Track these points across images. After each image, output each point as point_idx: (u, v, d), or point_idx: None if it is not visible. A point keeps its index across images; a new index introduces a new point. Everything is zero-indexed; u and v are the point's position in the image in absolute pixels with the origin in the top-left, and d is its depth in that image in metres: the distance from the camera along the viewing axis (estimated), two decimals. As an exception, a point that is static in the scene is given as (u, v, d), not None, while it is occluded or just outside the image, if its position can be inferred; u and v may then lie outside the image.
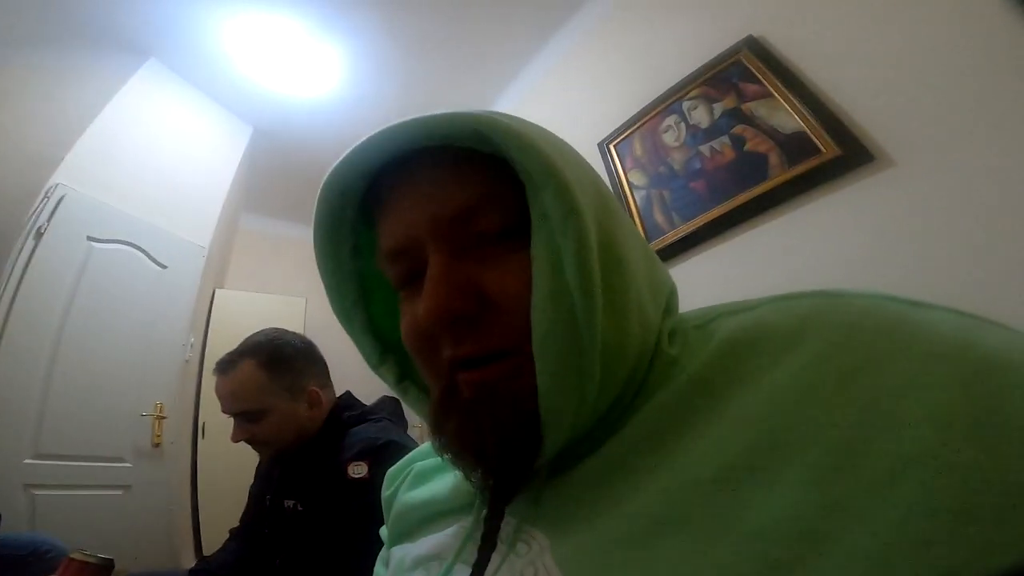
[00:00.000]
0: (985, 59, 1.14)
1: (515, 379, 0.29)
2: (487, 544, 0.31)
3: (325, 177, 0.34)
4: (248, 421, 1.05)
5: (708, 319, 0.33)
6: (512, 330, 0.29)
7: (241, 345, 1.11)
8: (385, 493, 0.51)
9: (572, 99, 2.34)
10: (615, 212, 0.33)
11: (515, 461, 0.31)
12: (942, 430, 0.19)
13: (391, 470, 0.53)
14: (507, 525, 0.31)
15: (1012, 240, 1.03)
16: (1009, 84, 1.10)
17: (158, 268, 2.15)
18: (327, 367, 1.21)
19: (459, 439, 0.32)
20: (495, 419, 0.30)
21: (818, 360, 0.24)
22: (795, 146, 1.44)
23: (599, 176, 0.36)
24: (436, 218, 0.31)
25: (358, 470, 0.95)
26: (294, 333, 1.20)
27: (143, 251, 2.11)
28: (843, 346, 0.24)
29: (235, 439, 1.06)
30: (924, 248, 1.15)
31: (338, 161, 0.33)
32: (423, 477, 0.46)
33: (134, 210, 2.12)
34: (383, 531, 0.49)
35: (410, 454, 0.52)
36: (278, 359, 1.10)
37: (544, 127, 0.34)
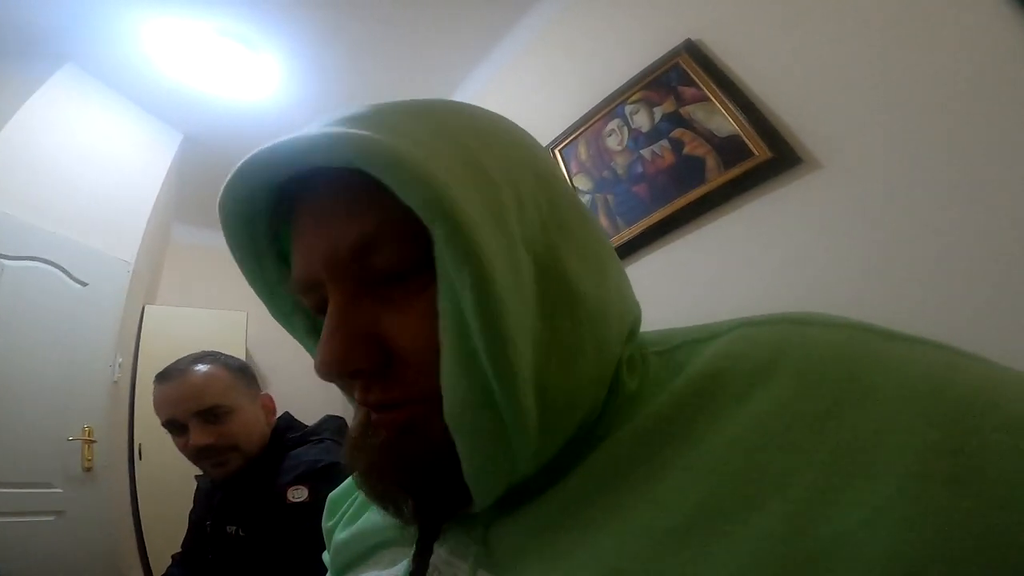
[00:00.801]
0: (906, 68, 1.21)
1: (431, 423, 0.27)
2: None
3: (223, 186, 0.30)
4: (213, 420, 1.01)
5: (671, 346, 0.32)
6: (420, 382, 0.27)
7: (185, 358, 1.08)
8: (327, 524, 0.49)
9: (519, 104, 2.36)
10: (570, 227, 0.30)
11: (432, 508, 0.30)
12: (917, 479, 0.18)
13: (332, 497, 0.51)
14: (458, 571, 0.29)
15: (929, 238, 1.10)
16: (928, 90, 1.17)
17: (78, 286, 2.04)
18: None
19: (367, 481, 0.31)
20: (408, 465, 0.29)
21: (787, 402, 0.23)
22: (730, 149, 1.49)
23: (556, 181, 0.32)
24: (332, 254, 0.28)
25: (298, 494, 0.94)
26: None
27: (60, 268, 1.99)
28: (813, 387, 0.23)
29: (198, 442, 0.99)
30: (848, 246, 1.22)
31: (232, 173, 0.30)
32: (365, 505, 0.43)
33: (49, 224, 2.00)
34: (326, 557, 0.47)
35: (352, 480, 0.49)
36: (234, 363, 1.12)
37: (478, 118, 0.31)
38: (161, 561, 2.09)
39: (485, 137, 0.29)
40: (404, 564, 0.33)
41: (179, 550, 1.23)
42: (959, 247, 1.06)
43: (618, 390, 0.30)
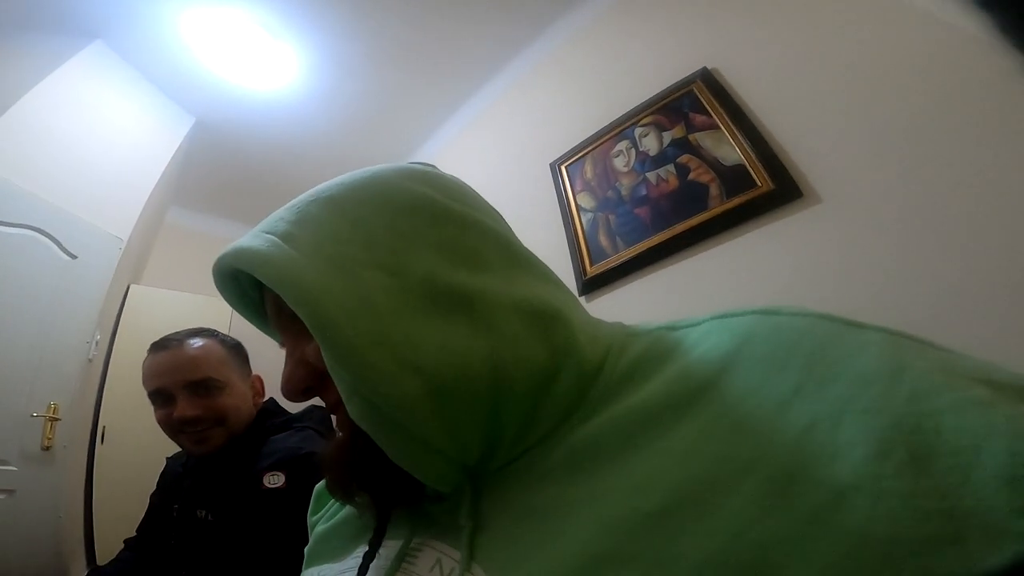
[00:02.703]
0: (907, 111, 1.27)
1: None
2: (366, 560, 0.36)
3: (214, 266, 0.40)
4: (204, 393, 1.03)
5: (644, 331, 0.36)
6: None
7: (182, 331, 1.11)
8: (311, 517, 0.53)
9: (529, 117, 2.43)
10: (425, 241, 0.35)
11: (384, 496, 0.37)
12: (879, 458, 0.19)
13: (318, 488, 0.55)
14: (440, 553, 0.33)
15: (916, 274, 1.15)
16: (927, 133, 1.22)
17: (67, 258, 2.07)
18: None
19: (328, 477, 0.41)
20: (359, 459, 0.36)
21: (753, 388, 0.25)
22: (734, 178, 1.53)
23: (409, 204, 0.37)
24: (271, 317, 0.41)
25: (274, 480, 0.94)
26: None
27: (51, 238, 2.03)
28: (777, 372, 0.25)
29: (183, 414, 1.01)
30: (842, 280, 1.26)
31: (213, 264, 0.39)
32: None
33: (48, 194, 2.05)
34: (306, 550, 0.50)
35: None
36: (232, 343, 1.15)
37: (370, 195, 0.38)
38: (107, 547, 2.07)
39: (339, 201, 0.37)
40: (362, 552, 0.38)
41: (132, 535, 1.22)
42: (953, 283, 1.10)
43: (571, 365, 0.33)
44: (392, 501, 0.37)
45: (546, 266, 0.40)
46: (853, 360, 0.24)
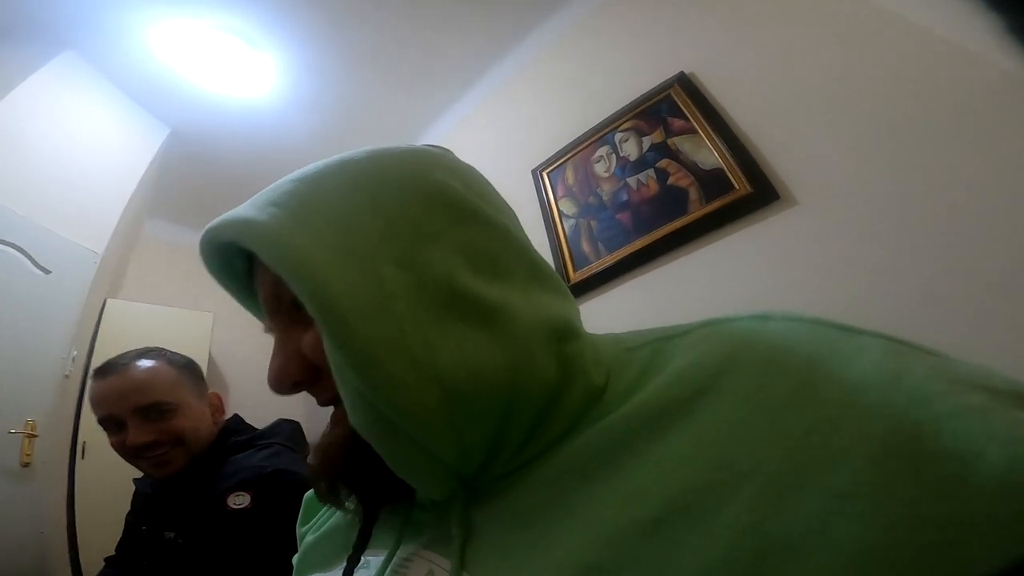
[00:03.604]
0: (882, 113, 1.31)
1: None
2: (350, 564, 0.36)
3: (199, 243, 0.38)
4: (156, 418, 0.99)
5: (640, 343, 0.35)
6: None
7: (127, 353, 1.07)
8: (300, 528, 0.52)
9: (509, 124, 2.46)
10: (445, 240, 0.33)
11: (372, 498, 0.36)
12: (876, 464, 0.19)
13: (308, 496, 0.54)
14: (431, 563, 0.32)
15: (892, 275, 1.19)
16: (901, 135, 1.27)
17: (40, 272, 2.05)
18: None
19: (316, 479, 0.39)
20: (349, 459, 0.35)
21: (749, 394, 0.25)
22: (713, 182, 1.57)
23: (430, 196, 0.35)
24: (264, 304, 0.38)
25: (239, 500, 0.92)
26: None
27: (24, 253, 2.00)
28: (773, 378, 0.25)
29: (136, 441, 0.97)
30: (820, 280, 1.30)
31: (200, 238, 0.37)
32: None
33: (19, 207, 2.02)
34: (296, 558, 0.50)
35: None
36: (179, 360, 1.10)
37: (343, 176, 0.36)
38: (92, 562, 2.04)
39: (360, 186, 0.35)
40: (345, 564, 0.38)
41: (113, 553, 1.19)
42: (930, 284, 1.14)
43: (578, 381, 0.33)
44: (381, 503, 0.37)
45: (556, 274, 0.40)
46: (850, 365, 0.24)
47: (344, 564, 0.38)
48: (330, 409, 0.38)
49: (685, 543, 0.22)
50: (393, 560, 0.35)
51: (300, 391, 0.37)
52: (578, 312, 0.40)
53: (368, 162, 0.36)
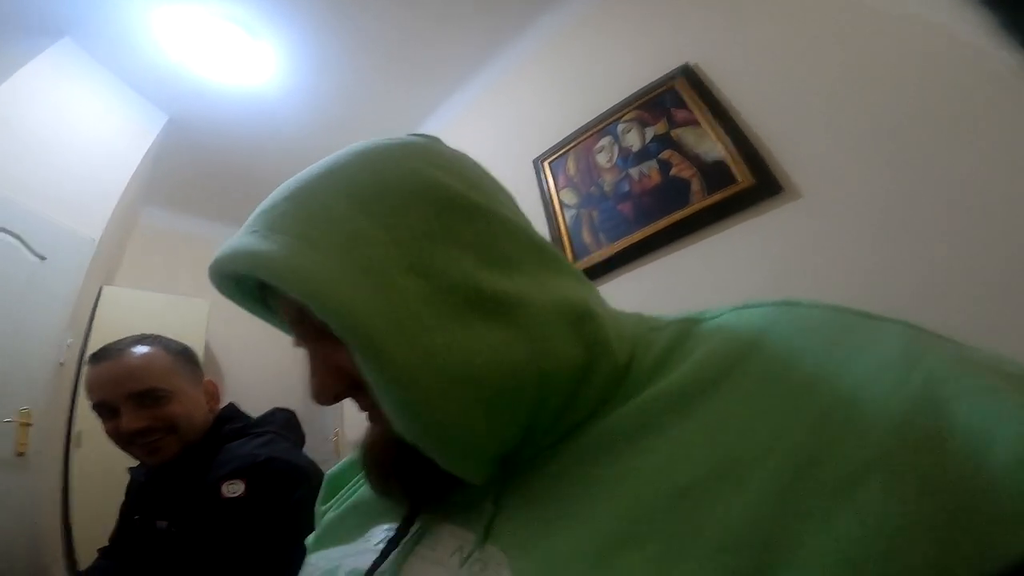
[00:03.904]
0: (886, 107, 1.30)
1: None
2: (391, 545, 0.35)
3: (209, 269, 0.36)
4: (150, 404, 0.98)
5: (664, 323, 0.37)
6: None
7: (123, 339, 1.06)
8: (320, 507, 0.53)
9: (511, 114, 2.44)
10: (465, 237, 0.34)
11: (421, 491, 0.36)
12: (896, 435, 0.20)
13: (331, 474, 0.55)
14: (460, 539, 0.33)
15: (895, 268, 1.19)
16: (905, 129, 1.26)
17: (35, 259, 2.03)
18: None
19: (368, 473, 0.40)
20: (396, 458, 0.36)
21: (775, 372, 0.26)
22: (715, 174, 1.56)
23: (455, 199, 0.35)
24: (291, 320, 0.37)
25: (233, 488, 0.92)
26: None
27: (18, 238, 1.99)
28: (798, 357, 0.26)
29: (129, 427, 0.96)
30: (822, 273, 1.29)
31: (209, 266, 0.35)
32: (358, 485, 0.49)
33: (14, 193, 2.00)
34: (309, 539, 0.50)
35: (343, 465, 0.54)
36: (175, 347, 1.10)
37: (368, 177, 0.35)
38: (88, 553, 2.05)
39: (357, 195, 0.34)
40: (378, 536, 0.39)
41: (107, 544, 1.18)
42: (932, 277, 1.14)
43: (603, 361, 0.33)
44: (429, 493, 0.37)
45: (563, 256, 0.40)
46: (871, 347, 0.25)
47: (365, 536, 0.40)
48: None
49: (710, 510, 0.23)
50: (424, 537, 0.36)
51: (345, 397, 0.37)
52: (593, 289, 0.40)
53: (357, 167, 0.36)
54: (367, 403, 0.36)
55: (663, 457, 0.26)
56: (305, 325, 0.36)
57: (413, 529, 0.36)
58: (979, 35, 1.10)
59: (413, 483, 0.37)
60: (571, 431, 0.33)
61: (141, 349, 1.03)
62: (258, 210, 0.36)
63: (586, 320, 0.34)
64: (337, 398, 0.36)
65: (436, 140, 0.42)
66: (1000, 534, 0.17)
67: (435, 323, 0.30)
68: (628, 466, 0.28)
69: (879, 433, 0.21)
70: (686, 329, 0.34)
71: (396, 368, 0.28)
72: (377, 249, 0.31)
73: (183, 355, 1.10)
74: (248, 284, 0.40)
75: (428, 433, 0.30)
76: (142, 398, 0.98)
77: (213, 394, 1.14)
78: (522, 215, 0.41)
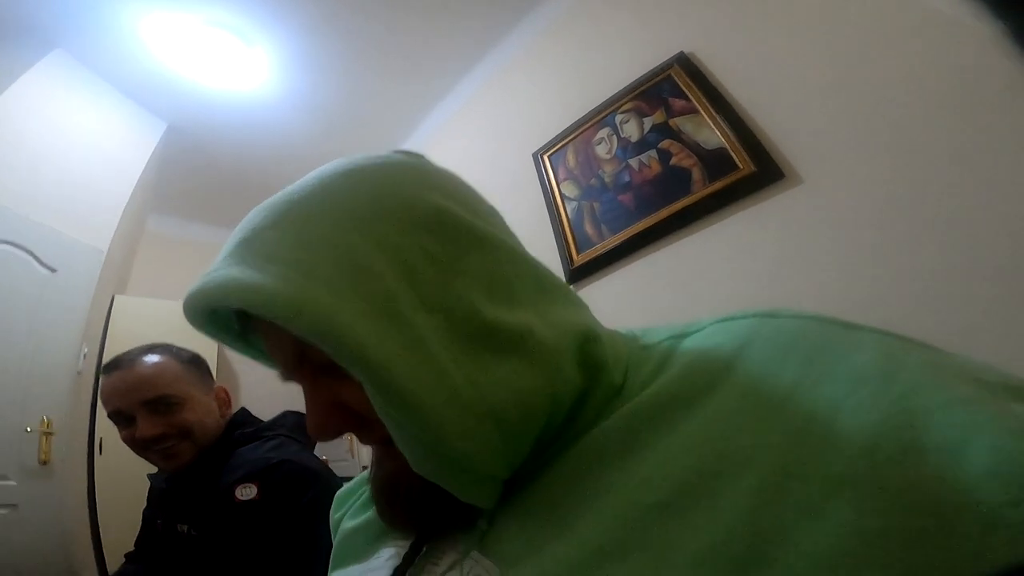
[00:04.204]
0: (886, 90, 1.30)
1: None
2: (399, 570, 0.36)
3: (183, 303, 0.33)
4: (164, 411, 1.02)
5: (656, 340, 0.37)
6: (386, 432, 0.32)
7: (134, 349, 1.09)
8: (334, 515, 0.53)
9: (509, 109, 2.45)
10: (471, 267, 0.33)
11: (429, 522, 0.37)
12: (869, 452, 0.20)
13: (340, 492, 0.55)
14: (456, 552, 0.34)
15: (902, 252, 1.19)
16: (905, 112, 1.26)
17: (46, 272, 2.06)
18: None
19: (377, 504, 0.40)
20: (406, 492, 0.37)
21: (753, 386, 0.26)
22: (716, 162, 1.56)
23: (451, 221, 0.34)
24: (283, 359, 0.35)
25: (247, 492, 0.95)
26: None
27: (29, 252, 2.02)
28: (776, 372, 0.27)
29: (144, 434, 0.99)
30: (826, 259, 1.30)
31: (183, 302, 0.33)
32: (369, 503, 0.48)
33: (22, 208, 2.03)
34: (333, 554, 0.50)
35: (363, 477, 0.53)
36: (186, 354, 1.12)
37: (359, 200, 0.33)
38: (117, 558, 2.09)
39: (357, 223, 0.31)
40: (387, 554, 0.39)
41: (133, 548, 1.22)
42: (933, 263, 1.14)
43: (601, 382, 0.34)
44: (442, 523, 0.37)
45: (561, 282, 0.40)
46: (849, 359, 0.25)
47: (377, 555, 0.41)
48: None
49: (689, 525, 0.23)
50: (427, 551, 0.36)
51: (346, 432, 0.36)
52: (588, 309, 0.41)
53: (351, 191, 0.33)
54: (374, 438, 0.35)
55: (646, 469, 0.27)
56: (303, 361, 0.34)
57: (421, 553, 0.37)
58: (979, 20, 1.10)
59: (423, 513, 0.37)
60: (565, 447, 0.33)
61: (152, 358, 1.06)
62: (239, 237, 0.33)
63: (590, 343, 0.34)
64: (339, 434, 0.35)
65: (423, 158, 0.40)
66: (971, 548, 0.17)
67: (452, 360, 0.29)
68: (613, 479, 0.28)
69: (853, 449, 0.21)
70: (673, 346, 0.35)
71: (422, 411, 0.28)
72: (385, 283, 0.30)
73: (193, 363, 1.13)
74: (223, 316, 0.37)
75: (448, 469, 0.30)
76: (155, 405, 1.01)
77: (224, 400, 1.17)
78: (516, 239, 0.40)
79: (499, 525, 0.33)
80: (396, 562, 0.37)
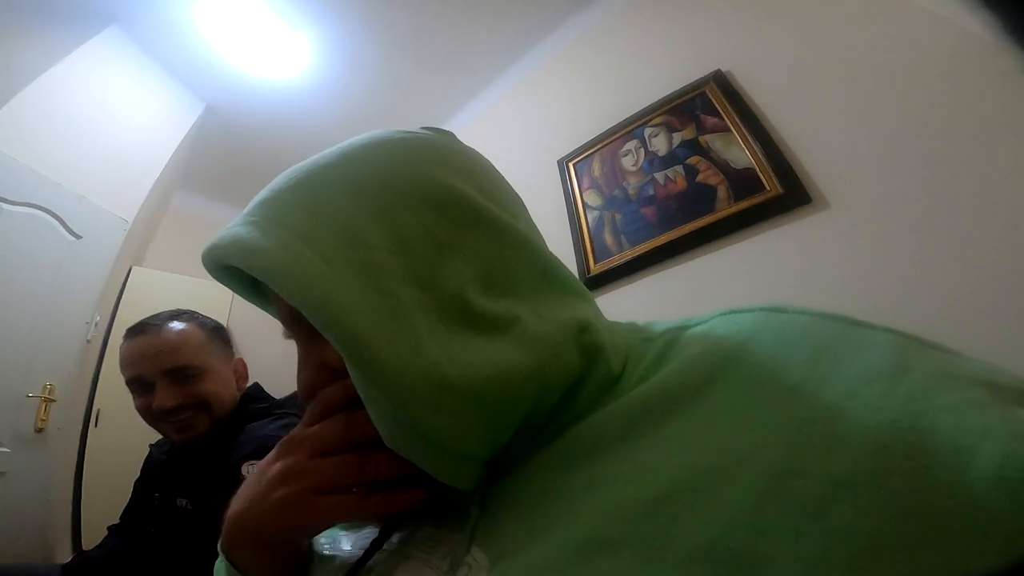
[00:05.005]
0: (920, 122, 1.28)
1: None
2: (367, 555, 0.35)
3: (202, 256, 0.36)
4: (184, 381, 1.01)
5: (656, 333, 0.36)
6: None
7: (160, 314, 1.09)
8: None
9: (538, 114, 2.45)
10: (468, 246, 0.33)
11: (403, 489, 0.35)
12: (874, 454, 0.20)
13: None
14: (452, 543, 0.33)
15: (919, 283, 1.17)
16: (942, 144, 1.23)
17: (72, 238, 2.10)
18: None
19: None
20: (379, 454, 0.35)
21: (757, 381, 0.26)
22: (743, 181, 1.54)
23: (456, 200, 0.34)
24: (282, 314, 0.37)
25: (252, 469, 0.91)
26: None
27: (58, 218, 2.06)
28: (781, 367, 0.26)
29: (163, 404, 0.98)
30: (848, 286, 1.27)
31: (201, 255, 0.35)
32: None
33: (56, 174, 2.08)
34: None
35: None
36: (209, 324, 1.12)
37: (367, 171, 0.34)
38: (93, 532, 2.06)
39: (364, 196, 0.33)
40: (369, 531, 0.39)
41: (117, 522, 1.21)
42: (961, 291, 1.11)
43: (597, 372, 0.33)
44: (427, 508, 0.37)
45: (568, 273, 0.39)
46: (856, 358, 0.24)
47: (370, 528, 0.40)
48: None
49: (684, 522, 0.22)
50: (420, 539, 0.35)
51: None
52: (594, 306, 0.40)
53: (367, 164, 0.35)
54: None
55: (642, 462, 0.26)
56: (298, 322, 0.35)
57: (404, 532, 0.36)
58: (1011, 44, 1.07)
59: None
60: (556, 434, 0.32)
61: (177, 325, 1.05)
62: (260, 197, 0.35)
63: (585, 331, 0.34)
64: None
65: (451, 136, 0.41)
66: (973, 553, 0.17)
67: (430, 334, 0.30)
68: (606, 470, 0.27)
69: (857, 450, 0.20)
70: (675, 337, 0.34)
71: (391, 383, 0.28)
72: (379, 255, 0.31)
73: (216, 332, 1.13)
74: (236, 269, 0.39)
75: (419, 444, 0.29)
76: (176, 375, 1.00)
77: (242, 373, 1.16)
78: (532, 225, 0.40)
79: (493, 515, 0.32)
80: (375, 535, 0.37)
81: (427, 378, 0.28)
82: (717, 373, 0.27)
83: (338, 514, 0.34)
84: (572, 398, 0.33)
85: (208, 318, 1.15)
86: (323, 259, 0.29)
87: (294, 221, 0.31)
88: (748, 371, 0.26)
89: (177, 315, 1.09)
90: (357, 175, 0.34)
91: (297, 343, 0.37)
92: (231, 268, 0.37)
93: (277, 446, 0.37)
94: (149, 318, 1.07)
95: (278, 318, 0.38)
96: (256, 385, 1.20)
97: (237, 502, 0.39)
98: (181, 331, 1.05)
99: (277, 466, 0.35)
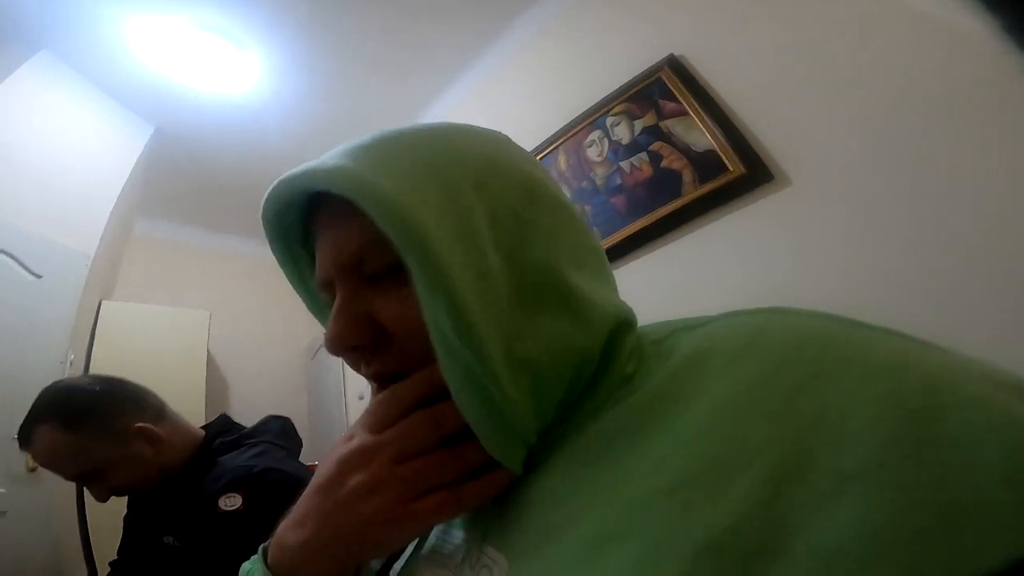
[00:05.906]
0: (872, 94, 1.32)
1: None
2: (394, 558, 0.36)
3: (264, 199, 0.37)
4: (92, 481, 0.97)
5: (665, 334, 0.36)
6: (409, 355, 0.34)
7: (32, 409, 0.99)
8: None
9: (500, 111, 2.46)
10: (544, 226, 0.35)
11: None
12: (883, 448, 0.20)
13: None
14: (471, 543, 0.34)
15: (888, 251, 1.21)
16: (892, 115, 1.28)
17: (32, 278, 2.03)
18: (148, 401, 1.08)
19: None
20: None
21: (765, 376, 0.26)
22: (706, 164, 1.58)
23: (534, 186, 0.37)
24: (336, 264, 0.36)
25: (230, 502, 0.92)
26: (88, 377, 1.11)
27: (14, 258, 1.98)
28: (789, 363, 0.26)
29: (101, 500, 0.98)
30: (814, 259, 1.32)
31: (267, 192, 0.36)
32: None
33: (5, 213, 2.00)
34: None
35: None
36: (74, 413, 0.97)
37: (463, 142, 0.36)
38: (107, 560, 2.07)
39: (465, 162, 0.35)
40: None
41: (116, 557, 1.18)
42: (921, 262, 1.16)
43: (613, 371, 0.34)
44: None
45: (611, 269, 0.42)
46: (862, 356, 0.25)
47: None
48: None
49: (696, 512, 0.22)
50: (436, 537, 0.37)
51: (355, 355, 0.36)
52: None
53: (470, 142, 0.37)
54: (378, 368, 0.36)
55: (655, 454, 0.27)
56: (359, 265, 0.35)
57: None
58: (968, 21, 1.11)
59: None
60: (571, 431, 0.33)
61: (37, 440, 0.95)
62: (351, 144, 0.35)
63: (623, 328, 0.36)
64: (354, 350, 0.36)
65: (508, 138, 0.44)
66: (979, 547, 0.17)
67: (507, 304, 0.31)
68: (621, 465, 0.28)
69: (866, 444, 0.20)
70: (683, 336, 0.35)
71: (469, 322, 0.29)
72: (473, 215, 0.32)
73: (78, 420, 0.97)
74: (287, 223, 0.40)
75: (487, 408, 0.31)
76: (82, 480, 0.97)
77: (150, 437, 1.02)
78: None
79: (508, 513, 0.33)
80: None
81: (498, 340, 0.30)
82: (727, 368, 0.28)
83: (441, 514, 0.33)
84: (586, 395, 0.34)
85: (70, 399, 1.00)
86: (427, 208, 0.30)
87: (400, 168, 0.32)
88: (757, 366, 0.27)
89: (34, 420, 0.96)
90: (460, 149, 0.35)
91: (340, 291, 0.36)
92: (280, 219, 0.39)
93: (340, 460, 0.35)
94: (21, 424, 0.98)
95: (328, 263, 0.37)
96: (223, 417, 1.18)
97: (302, 529, 0.36)
98: (45, 448, 0.95)
99: (357, 479, 0.33)
